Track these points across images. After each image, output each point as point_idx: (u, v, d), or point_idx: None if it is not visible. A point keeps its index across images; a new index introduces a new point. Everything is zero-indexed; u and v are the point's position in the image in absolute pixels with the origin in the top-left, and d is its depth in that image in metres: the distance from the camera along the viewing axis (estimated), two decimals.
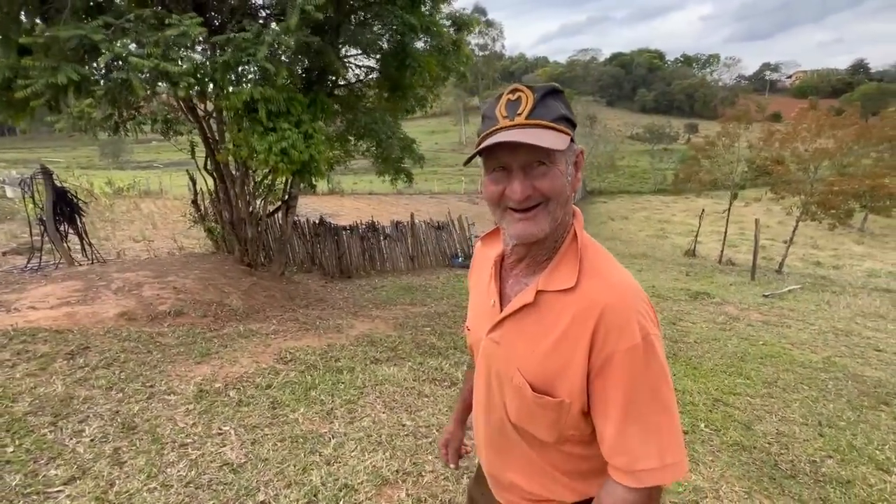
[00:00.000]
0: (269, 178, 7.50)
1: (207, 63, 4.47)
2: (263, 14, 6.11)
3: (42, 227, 6.73)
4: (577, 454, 0.87)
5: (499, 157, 0.79)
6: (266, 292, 6.38)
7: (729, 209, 13.22)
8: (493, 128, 0.79)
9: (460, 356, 4.07)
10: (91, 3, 4.72)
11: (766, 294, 8.64)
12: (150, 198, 22.71)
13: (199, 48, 4.98)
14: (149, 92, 4.37)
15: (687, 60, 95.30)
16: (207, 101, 5.03)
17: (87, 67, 4.27)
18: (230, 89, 4.56)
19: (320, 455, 2.26)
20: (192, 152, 6.83)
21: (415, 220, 11.07)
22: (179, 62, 4.22)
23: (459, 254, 11.47)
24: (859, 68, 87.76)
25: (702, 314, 7.16)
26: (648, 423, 0.75)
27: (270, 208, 8.05)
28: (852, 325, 6.70)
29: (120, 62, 3.95)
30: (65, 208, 6.88)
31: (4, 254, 9.00)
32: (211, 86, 4.70)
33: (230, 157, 5.31)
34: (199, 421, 2.52)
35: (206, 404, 2.70)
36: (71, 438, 2.26)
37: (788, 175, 10.98)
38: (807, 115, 11.33)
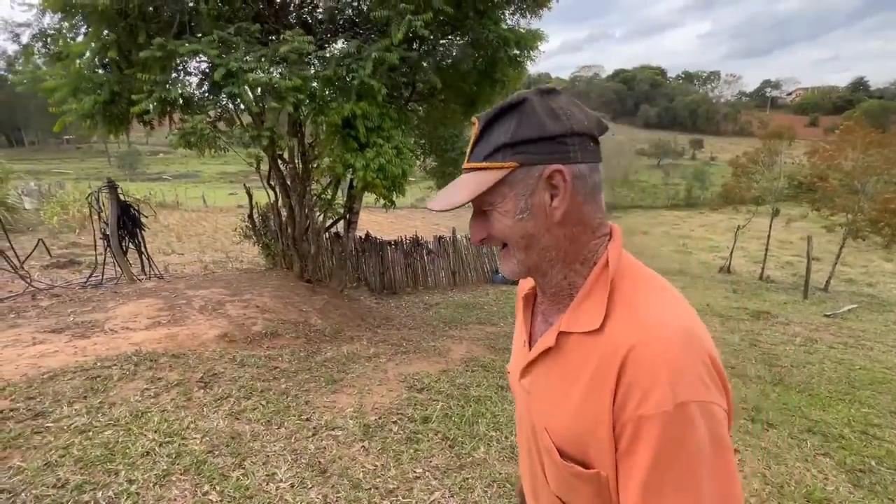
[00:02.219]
0: (329, 192, 7.38)
1: (309, 78, 4.36)
2: (327, 28, 6.03)
3: (105, 242, 6.55)
4: None
5: None
6: (338, 310, 6.20)
7: (770, 225, 13.13)
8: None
9: None
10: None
11: (828, 314, 8.48)
12: (167, 209, 22.60)
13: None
14: (256, 106, 4.26)
15: (688, 77, 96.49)
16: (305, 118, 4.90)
17: (189, 82, 4.17)
18: (332, 104, 4.44)
19: None
20: (258, 166, 6.70)
21: (456, 235, 10.91)
22: (289, 77, 4.10)
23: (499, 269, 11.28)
24: (859, 86, 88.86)
25: (774, 335, 6.99)
26: None
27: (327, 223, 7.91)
28: None
29: (233, 77, 3.82)
30: (127, 222, 6.71)
31: (46, 267, 8.80)
32: (308, 101, 4.58)
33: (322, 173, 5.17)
34: (387, 462, 2.33)
35: (379, 442, 2.51)
36: (268, 483, 2.07)
37: (833, 192, 10.91)
38: (853, 132, 11.33)
